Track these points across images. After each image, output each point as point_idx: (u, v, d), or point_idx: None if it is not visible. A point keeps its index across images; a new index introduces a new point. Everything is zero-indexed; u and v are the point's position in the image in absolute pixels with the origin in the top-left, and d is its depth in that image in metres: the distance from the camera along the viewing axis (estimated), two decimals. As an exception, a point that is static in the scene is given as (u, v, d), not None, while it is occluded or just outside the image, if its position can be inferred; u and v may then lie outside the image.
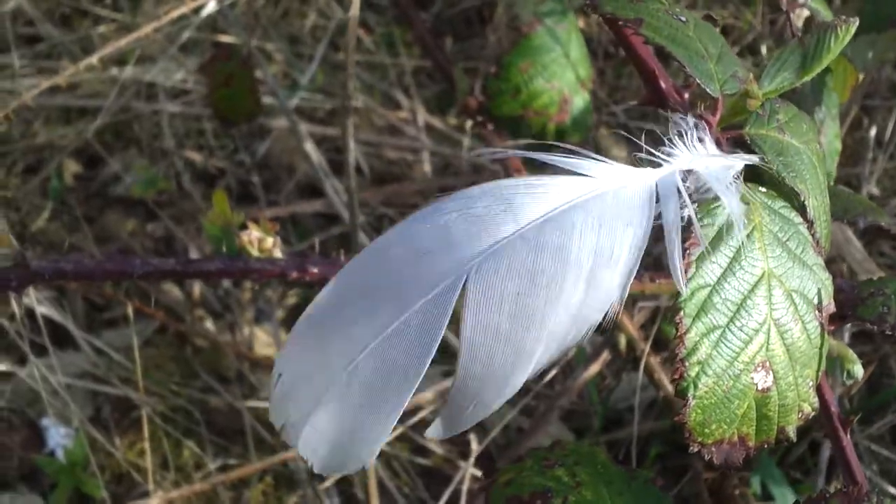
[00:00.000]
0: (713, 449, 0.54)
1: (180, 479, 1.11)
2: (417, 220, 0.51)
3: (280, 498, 1.11)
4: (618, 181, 0.51)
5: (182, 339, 1.21)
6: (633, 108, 1.37)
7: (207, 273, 0.69)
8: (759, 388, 0.54)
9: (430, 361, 0.49)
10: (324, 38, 1.45)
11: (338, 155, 1.33)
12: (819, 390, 0.65)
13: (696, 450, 0.54)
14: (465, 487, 1.09)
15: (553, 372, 1.15)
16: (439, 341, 0.49)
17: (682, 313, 0.52)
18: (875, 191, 1.23)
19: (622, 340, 1.13)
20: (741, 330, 0.53)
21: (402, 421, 1.10)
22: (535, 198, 0.50)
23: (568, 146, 0.52)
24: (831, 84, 0.84)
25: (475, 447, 1.11)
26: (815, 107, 0.83)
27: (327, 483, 1.09)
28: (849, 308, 0.64)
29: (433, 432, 0.53)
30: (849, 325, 1.07)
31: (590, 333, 0.50)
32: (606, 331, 1.16)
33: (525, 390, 1.15)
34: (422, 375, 0.50)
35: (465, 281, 0.49)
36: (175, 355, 1.20)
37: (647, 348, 1.05)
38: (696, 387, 0.53)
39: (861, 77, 1.19)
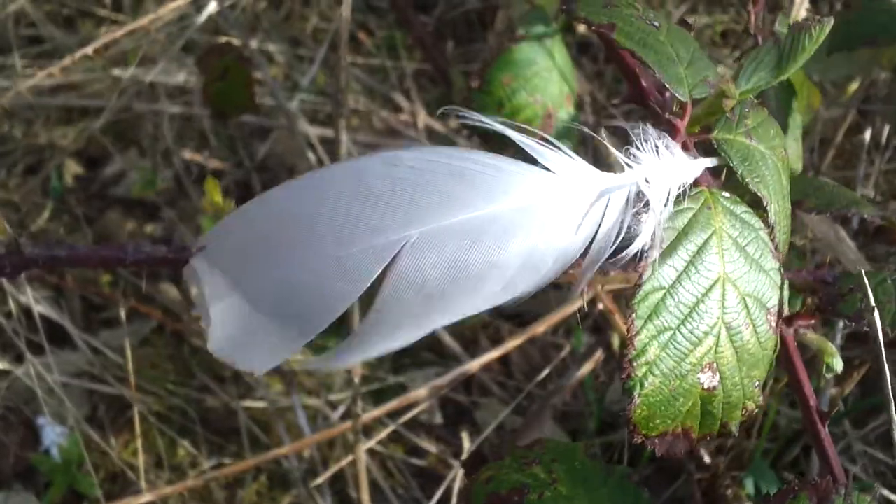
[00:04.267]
0: (656, 440, 0.55)
1: (174, 479, 1.11)
2: (371, 161, 0.51)
3: (274, 498, 1.12)
4: (573, 183, 0.51)
5: (179, 339, 1.22)
6: (632, 111, 1.37)
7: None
8: (705, 387, 0.55)
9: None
10: (325, 40, 1.46)
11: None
12: (798, 384, 0.65)
13: (639, 441, 0.54)
14: (456, 486, 1.09)
15: (546, 371, 1.15)
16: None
17: (634, 315, 0.52)
18: (871, 193, 1.22)
19: (616, 340, 1.13)
20: (691, 333, 0.54)
21: (395, 419, 1.12)
22: (490, 181, 0.50)
23: (539, 133, 0.52)
24: (796, 107, 0.85)
25: (468, 446, 1.12)
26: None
27: (319, 480, 1.10)
28: (829, 303, 0.64)
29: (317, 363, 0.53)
30: (841, 327, 1.07)
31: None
32: (599, 330, 1.17)
33: (517, 389, 1.16)
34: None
35: (401, 248, 0.49)
36: (172, 354, 1.21)
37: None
38: (642, 386, 0.53)
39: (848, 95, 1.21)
